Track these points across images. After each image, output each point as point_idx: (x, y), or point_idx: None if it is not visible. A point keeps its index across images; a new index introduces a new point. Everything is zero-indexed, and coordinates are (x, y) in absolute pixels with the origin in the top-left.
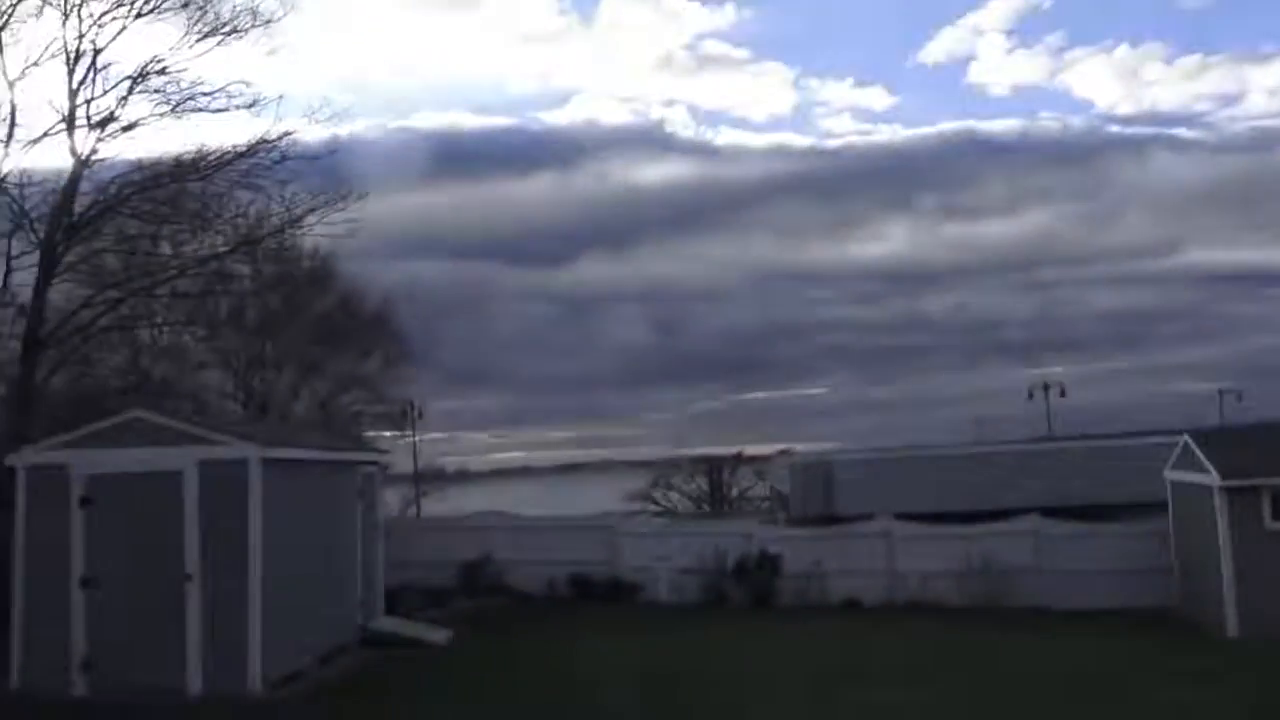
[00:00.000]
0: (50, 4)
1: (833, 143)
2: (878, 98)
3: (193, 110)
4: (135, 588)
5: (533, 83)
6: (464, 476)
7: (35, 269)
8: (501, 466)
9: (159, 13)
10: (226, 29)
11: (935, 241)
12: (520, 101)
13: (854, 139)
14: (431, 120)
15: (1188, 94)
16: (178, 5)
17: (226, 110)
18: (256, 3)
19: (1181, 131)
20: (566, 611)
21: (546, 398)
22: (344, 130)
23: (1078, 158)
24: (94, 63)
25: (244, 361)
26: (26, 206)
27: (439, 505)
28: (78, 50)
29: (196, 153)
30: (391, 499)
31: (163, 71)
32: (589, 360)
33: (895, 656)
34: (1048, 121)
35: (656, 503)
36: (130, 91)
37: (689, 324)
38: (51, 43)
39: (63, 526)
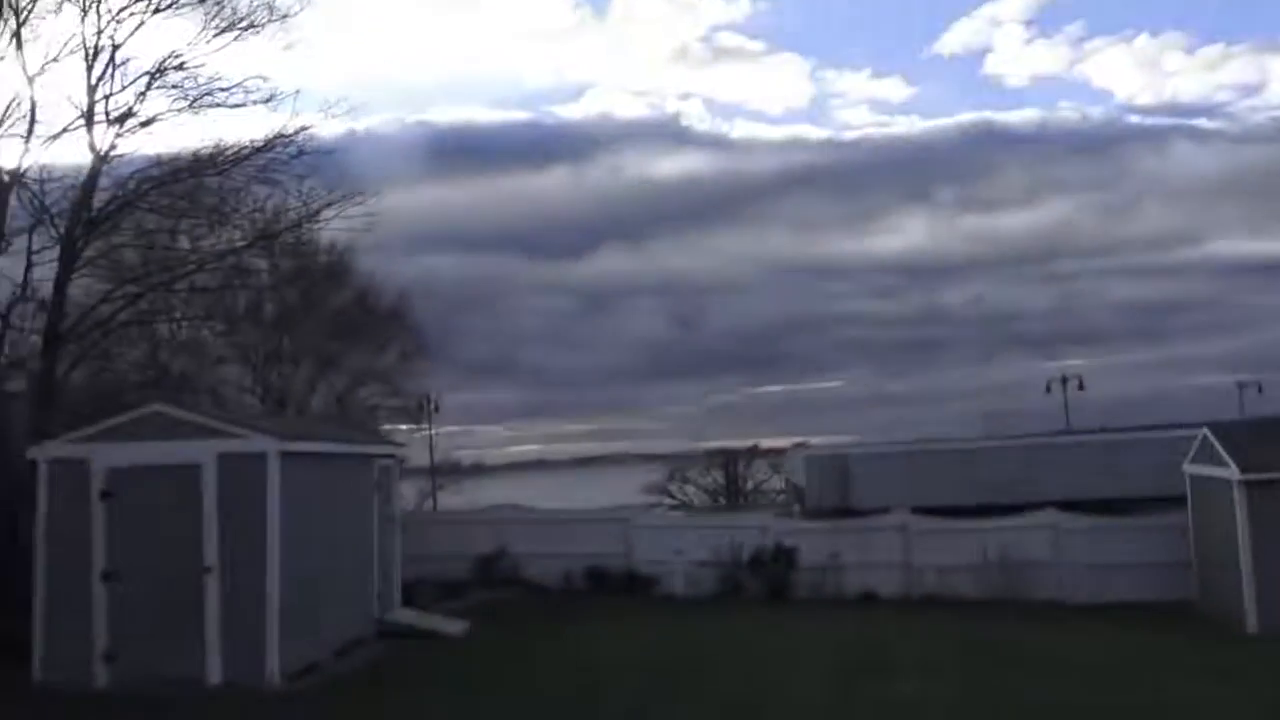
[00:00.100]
0: (69, 0)
1: (849, 134)
2: (895, 89)
3: (210, 105)
4: (155, 580)
5: (547, 76)
6: (480, 470)
7: (55, 264)
8: (517, 460)
9: (177, 8)
10: (244, 24)
11: (953, 233)
12: (535, 95)
13: (871, 131)
14: (447, 114)
15: (1209, 84)
16: (195, 1)
17: (244, 105)
18: None
19: (1202, 122)
20: (582, 604)
21: (562, 391)
22: (360, 125)
23: (1097, 148)
24: (112, 58)
25: (262, 356)
26: (47, 202)
27: (455, 498)
28: (96, 46)
29: (214, 148)
30: (408, 492)
31: (180, 67)
32: (605, 353)
33: (911, 649)
34: (1067, 112)
35: (672, 496)
36: (148, 87)
37: (705, 317)
38: (70, 39)
39: (83, 520)
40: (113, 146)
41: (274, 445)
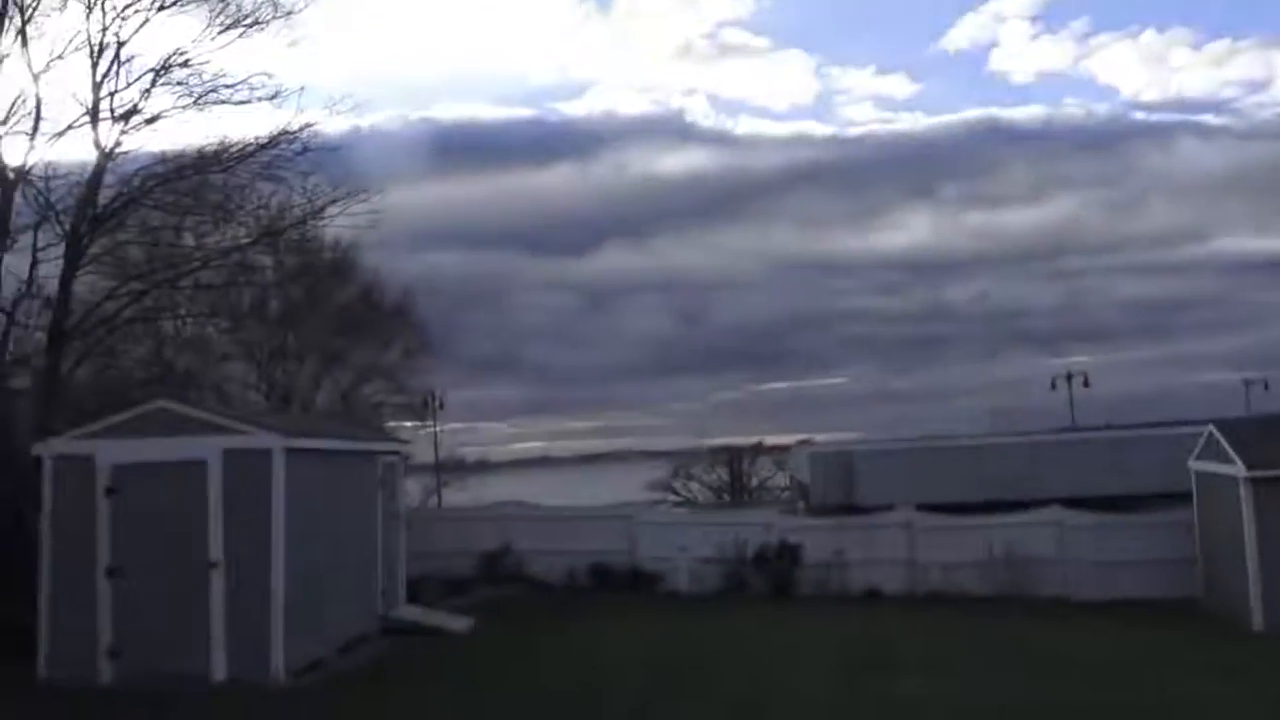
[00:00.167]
0: None
1: (854, 131)
2: (900, 85)
3: (215, 102)
4: (160, 576)
5: (551, 73)
6: (484, 466)
7: (60, 261)
8: (522, 457)
9: (181, 5)
10: (248, 21)
11: (958, 230)
12: (539, 92)
13: (875, 127)
14: (451, 111)
15: (1215, 80)
16: None
17: (248, 102)
18: None
19: (1208, 118)
20: (586, 601)
21: (567, 388)
22: (364, 122)
23: (1103, 145)
24: (117, 55)
25: (266, 353)
26: (52, 199)
27: (459, 495)
28: (101, 43)
29: (219, 145)
30: (412, 489)
31: (185, 64)
32: (609, 350)
33: (916, 647)
34: (1072, 109)
35: (677, 493)
36: (153, 84)
37: (709, 314)
38: (75, 36)
39: (88, 516)
40: (118, 143)
41: (279, 442)
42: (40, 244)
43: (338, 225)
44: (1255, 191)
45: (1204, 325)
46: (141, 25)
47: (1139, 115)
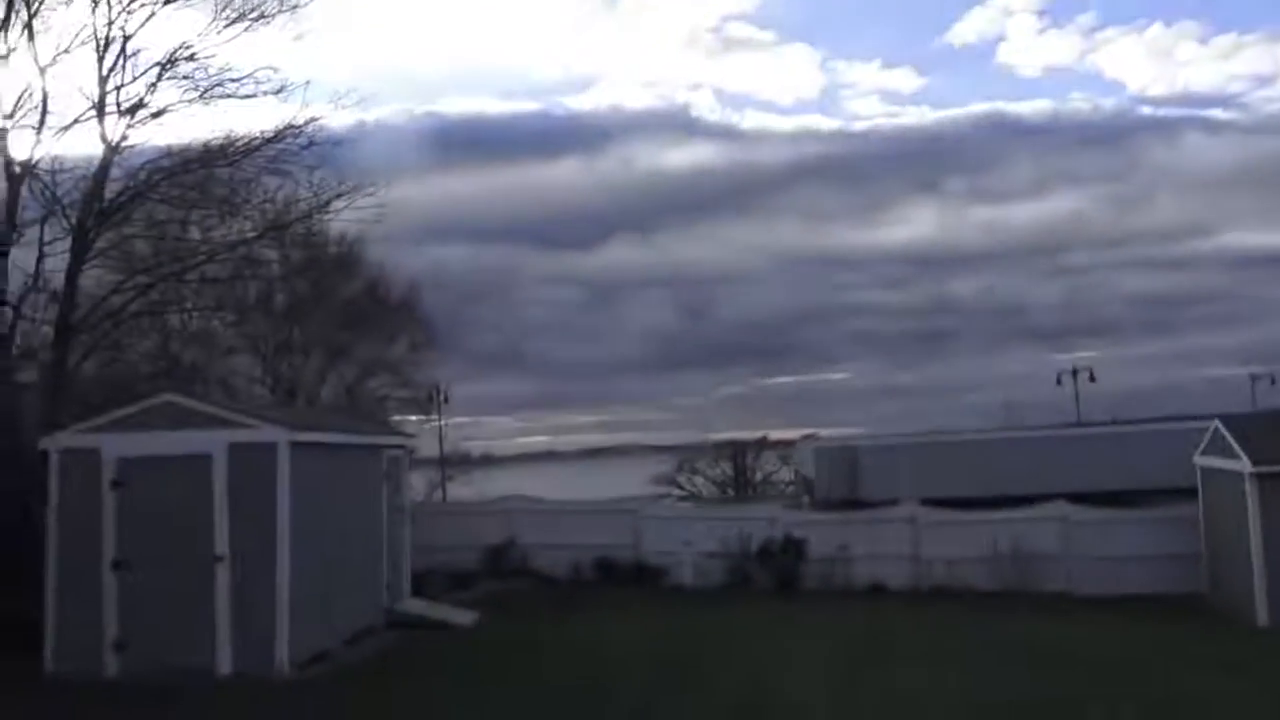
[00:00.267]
0: None
1: (860, 125)
2: (906, 79)
3: (221, 96)
4: (166, 570)
5: (557, 67)
6: (489, 461)
7: (67, 255)
8: (526, 451)
9: None
10: (254, 15)
11: (963, 225)
12: (545, 86)
13: (881, 121)
14: (456, 105)
15: (1222, 74)
16: None
17: (254, 96)
18: None
19: (1215, 112)
20: (591, 595)
21: (571, 382)
22: (370, 116)
23: (1109, 140)
24: (123, 49)
25: (272, 346)
26: (58, 193)
27: (464, 489)
28: (107, 37)
29: (225, 139)
30: (418, 483)
31: (191, 58)
32: (614, 345)
33: (920, 642)
34: (1078, 103)
35: (681, 487)
36: (159, 78)
37: (714, 308)
38: (81, 30)
39: (94, 509)
40: (124, 137)
41: (284, 435)
42: (47, 238)
43: (343, 219)
44: (1262, 186)
45: (1210, 320)
46: (147, 19)
47: (1145, 110)
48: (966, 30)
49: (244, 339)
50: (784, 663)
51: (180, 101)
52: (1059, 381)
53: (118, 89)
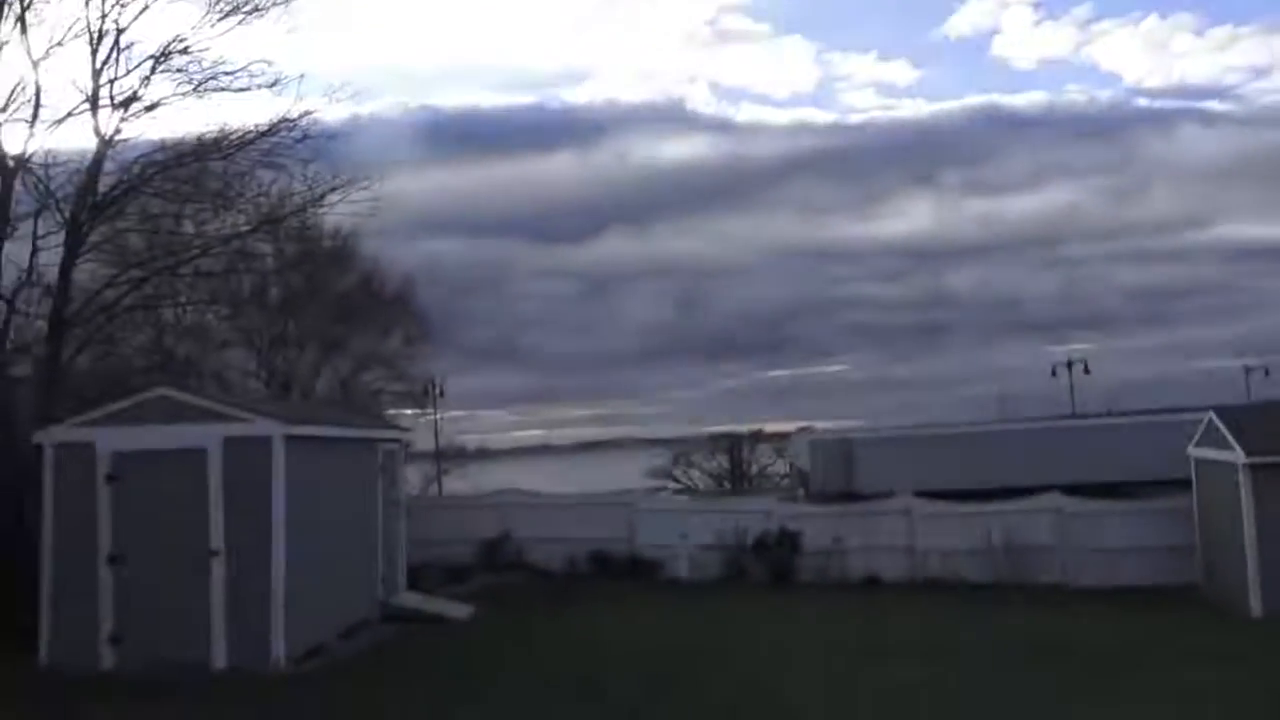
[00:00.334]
0: None
1: (855, 118)
2: (901, 72)
3: (215, 90)
4: (161, 563)
5: (552, 60)
6: (485, 454)
7: (61, 249)
8: (522, 444)
9: None
10: (248, 7)
11: (959, 217)
12: (540, 79)
13: (877, 114)
14: (451, 99)
15: (1218, 66)
16: None
17: (248, 89)
18: None
19: (1211, 104)
20: (586, 589)
21: (567, 375)
22: (365, 109)
23: (1104, 132)
24: (117, 42)
25: (266, 340)
26: (52, 187)
27: (460, 483)
28: (100, 30)
29: (218, 132)
30: (413, 477)
31: (185, 51)
32: (610, 338)
33: (914, 633)
34: (1074, 95)
35: (677, 480)
36: (153, 71)
37: (710, 301)
38: (74, 23)
39: (89, 503)
40: (117, 131)
41: (278, 429)
42: (40, 232)
43: (338, 213)
44: (1257, 178)
45: (1205, 312)
46: (141, 12)
47: (1141, 102)
48: (961, 22)
49: (238, 333)
50: (779, 657)
51: (174, 95)
52: (1054, 373)
53: (111, 82)
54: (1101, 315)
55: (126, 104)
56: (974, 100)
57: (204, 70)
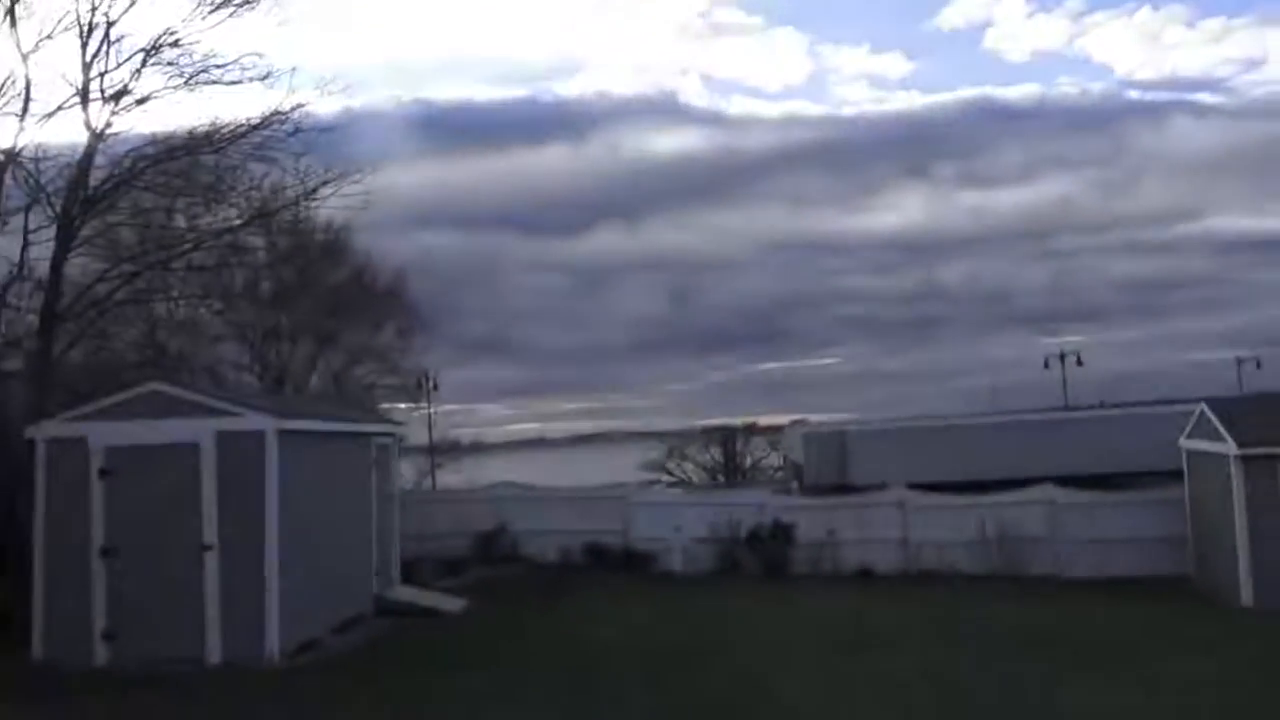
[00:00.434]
0: None
1: (847, 111)
2: (893, 65)
3: (206, 83)
4: (154, 558)
5: (545, 53)
6: (479, 448)
7: (52, 243)
8: (516, 438)
9: None
10: (238, 0)
11: (951, 210)
12: (533, 72)
13: (869, 107)
14: (444, 92)
15: (1210, 58)
16: None
17: (240, 83)
18: None
19: (1202, 96)
20: (581, 581)
21: (561, 369)
22: (357, 102)
23: (1096, 124)
24: (107, 35)
25: (259, 334)
26: (42, 181)
27: (454, 477)
28: (90, 23)
29: (210, 126)
30: (407, 471)
31: (176, 44)
32: (603, 331)
33: (908, 624)
34: (1066, 87)
35: (670, 473)
36: (143, 64)
37: (703, 294)
38: (64, 15)
39: (82, 498)
40: (108, 124)
41: (271, 424)
42: (31, 226)
43: (330, 207)
44: (1249, 170)
45: (1197, 304)
46: (131, 4)
47: (1133, 94)
48: (954, 15)
49: (231, 327)
50: (772, 649)
51: (165, 88)
52: (1046, 365)
53: (101, 75)
54: (1093, 307)
55: (117, 97)
56: (966, 93)
57: (195, 63)
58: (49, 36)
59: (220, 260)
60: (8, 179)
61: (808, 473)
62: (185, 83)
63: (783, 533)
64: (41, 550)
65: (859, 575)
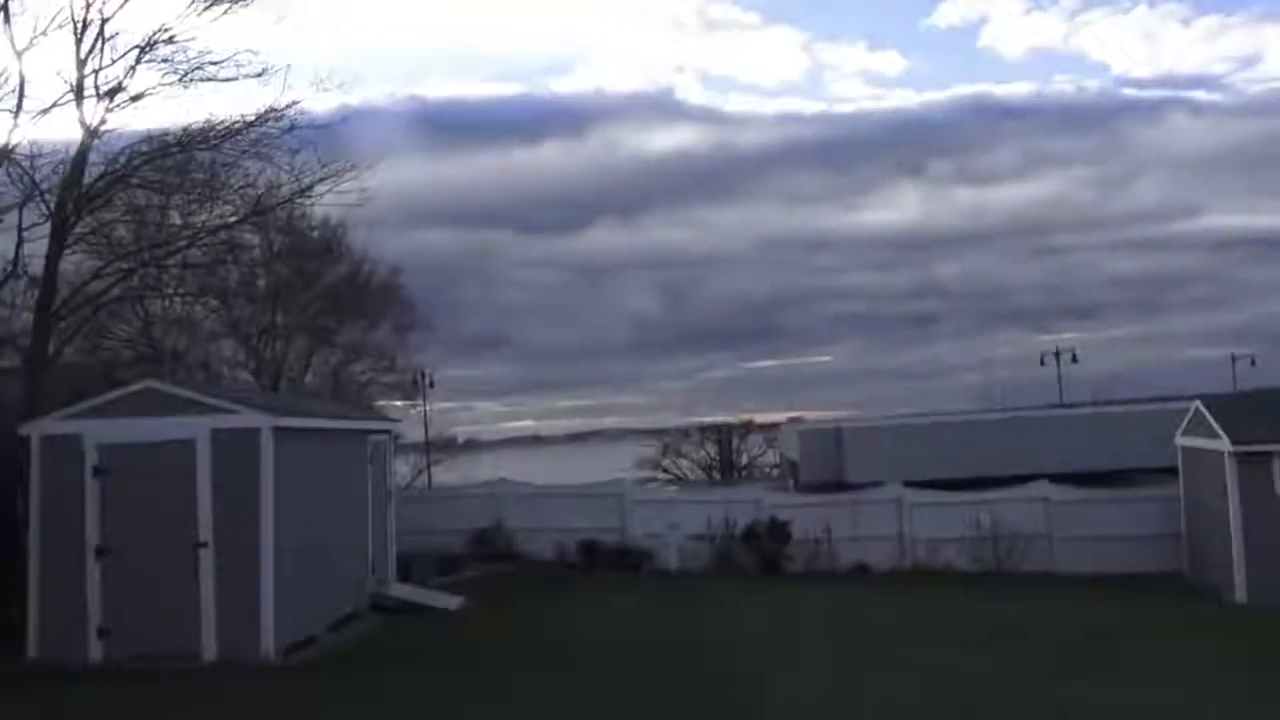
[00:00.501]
0: None
1: (844, 108)
2: (890, 62)
3: (201, 80)
4: (150, 556)
5: (541, 50)
6: (475, 445)
7: (46, 240)
8: (512, 435)
9: None
10: None
11: (947, 207)
12: (529, 69)
13: (865, 104)
14: (440, 89)
15: (1206, 56)
16: None
17: (234, 79)
18: None
19: (1199, 94)
20: (576, 578)
21: (557, 366)
22: (353, 99)
23: (1092, 122)
24: (101, 32)
25: (255, 332)
26: (37, 178)
27: (450, 474)
28: (85, 20)
29: (205, 123)
30: (403, 468)
31: (170, 41)
32: (599, 328)
33: (905, 621)
34: (1062, 85)
35: (667, 471)
36: (138, 61)
37: (699, 291)
38: (59, 12)
39: (77, 496)
40: (103, 121)
41: (267, 421)
42: (25, 223)
43: (326, 203)
44: (1245, 168)
45: (1193, 302)
46: (126, 1)
47: (1129, 91)
48: (950, 12)
49: (226, 324)
50: (767, 646)
51: (160, 85)
52: (1042, 363)
53: (96, 72)
54: (1089, 305)
55: (112, 94)
56: (962, 90)
57: (190, 60)
58: (43, 33)
59: (216, 257)
60: (2, 176)
61: (804, 470)
62: (180, 80)
63: (779, 530)
64: (36, 547)
65: (855, 572)
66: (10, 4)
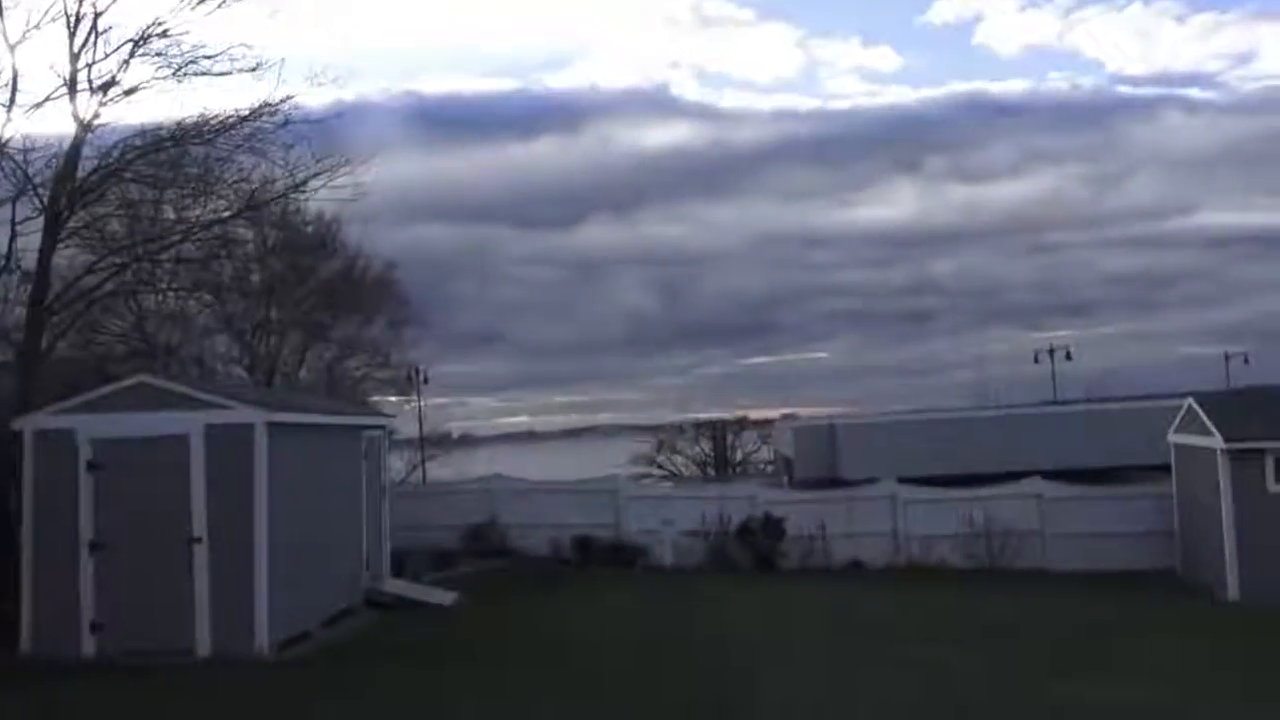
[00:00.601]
0: None
1: (839, 104)
2: (885, 59)
3: (195, 74)
4: (143, 551)
5: (536, 45)
6: (469, 441)
7: (40, 234)
8: (507, 431)
9: None
10: None
11: (942, 204)
12: (524, 64)
13: (860, 101)
14: (435, 84)
15: (1200, 53)
16: None
17: (229, 74)
18: None
19: (1193, 92)
20: (571, 574)
21: (551, 362)
22: (347, 94)
23: (1087, 119)
24: (95, 26)
25: (250, 327)
26: (30, 172)
27: (444, 470)
28: (78, 13)
29: (199, 117)
30: (397, 464)
31: (164, 34)
32: (594, 324)
33: (901, 618)
34: (1057, 82)
35: (661, 467)
36: (132, 55)
37: (694, 288)
38: (52, 6)
39: (70, 491)
40: (96, 115)
41: (261, 416)
42: (19, 217)
43: (320, 198)
44: (1240, 165)
45: (1187, 299)
46: None
47: (1124, 89)
48: (945, 9)
49: (220, 319)
50: (761, 642)
51: (153, 79)
52: (1036, 360)
53: (89, 66)
54: (1084, 302)
55: (105, 88)
56: (957, 87)
57: (184, 54)
58: (36, 27)
59: (209, 252)
60: None
61: (798, 466)
62: (174, 74)
63: (773, 526)
64: (29, 542)
65: (850, 568)
66: None
